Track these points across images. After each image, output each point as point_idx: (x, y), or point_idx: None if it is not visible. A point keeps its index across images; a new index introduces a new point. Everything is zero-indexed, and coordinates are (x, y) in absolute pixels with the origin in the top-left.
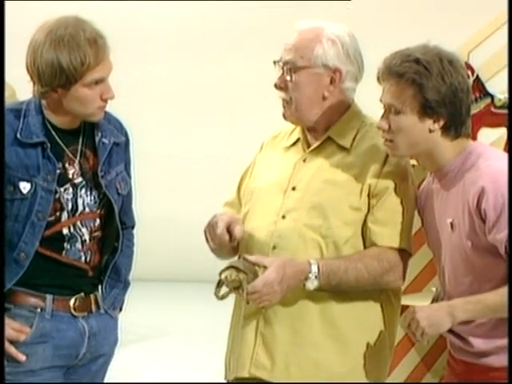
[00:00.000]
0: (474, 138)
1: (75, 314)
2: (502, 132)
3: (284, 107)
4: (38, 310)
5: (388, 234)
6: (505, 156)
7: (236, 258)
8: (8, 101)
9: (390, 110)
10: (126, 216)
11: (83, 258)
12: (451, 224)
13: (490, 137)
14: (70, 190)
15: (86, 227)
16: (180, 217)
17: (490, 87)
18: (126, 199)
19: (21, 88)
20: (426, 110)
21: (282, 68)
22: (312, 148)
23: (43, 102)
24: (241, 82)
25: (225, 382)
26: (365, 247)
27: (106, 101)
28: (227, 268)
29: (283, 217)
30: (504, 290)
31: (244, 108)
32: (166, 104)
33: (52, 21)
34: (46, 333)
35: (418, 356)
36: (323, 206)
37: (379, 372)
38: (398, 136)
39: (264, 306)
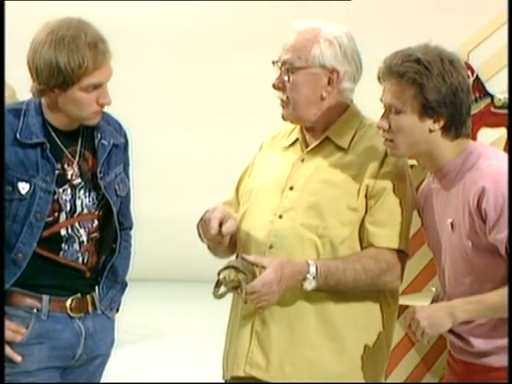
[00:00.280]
0: (474, 138)
1: (72, 314)
2: (502, 132)
3: (282, 107)
4: (35, 310)
5: (386, 235)
6: (505, 156)
7: (234, 257)
8: (8, 101)
9: (390, 110)
10: (124, 217)
11: (81, 259)
12: (451, 224)
13: (490, 137)
14: (69, 190)
15: (84, 228)
16: (179, 217)
17: (490, 87)
18: (125, 200)
19: (21, 88)
20: (427, 110)
21: (280, 68)
22: (310, 148)
23: (43, 100)
24: (241, 82)
25: (223, 381)
26: (361, 247)
27: (102, 106)
28: (226, 268)
29: (280, 216)
30: (504, 291)
31: (244, 108)
32: (165, 104)
33: (56, 20)
34: (42, 333)
35: (417, 356)
36: (320, 205)
37: (376, 372)
38: (398, 136)
39: (262, 306)
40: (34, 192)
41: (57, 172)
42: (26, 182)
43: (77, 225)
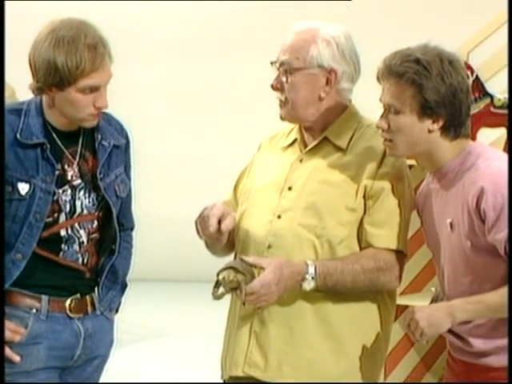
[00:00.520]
0: (474, 138)
1: (71, 315)
2: (502, 132)
3: (281, 107)
4: (34, 310)
5: (384, 236)
6: (504, 156)
7: (231, 255)
8: (8, 101)
9: (389, 110)
10: (124, 218)
11: (80, 260)
12: (451, 224)
13: (490, 137)
14: (69, 191)
15: (84, 229)
16: (179, 217)
17: (490, 87)
18: (125, 201)
19: (21, 88)
20: (426, 110)
21: (278, 69)
22: (308, 148)
23: (44, 99)
24: (241, 82)
25: (222, 382)
26: (360, 248)
27: (98, 109)
28: (225, 268)
29: (279, 216)
30: (504, 291)
31: (244, 108)
32: (165, 104)
33: (59, 20)
34: (40, 334)
35: (417, 356)
36: (318, 206)
37: (374, 372)
38: (397, 136)
39: (261, 306)
40: (34, 192)
41: (57, 172)
42: (26, 182)
43: (77, 225)
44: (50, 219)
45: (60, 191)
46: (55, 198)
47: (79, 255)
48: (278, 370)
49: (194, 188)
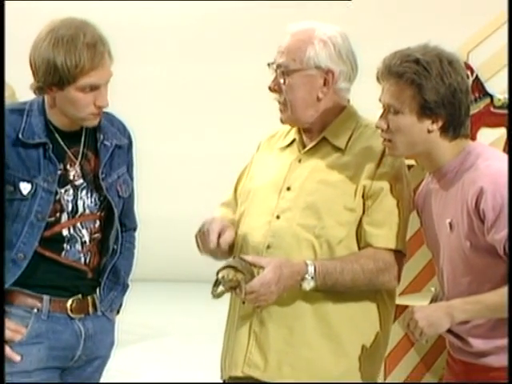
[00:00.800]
0: (474, 138)
1: (72, 315)
2: (502, 132)
3: (281, 111)
4: (35, 310)
5: (384, 236)
6: (504, 156)
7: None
8: (8, 101)
9: (388, 110)
10: (127, 218)
11: (83, 260)
12: (450, 224)
13: (490, 137)
14: (71, 191)
15: (86, 229)
16: (179, 217)
17: (490, 87)
18: (128, 201)
19: (21, 88)
20: (425, 110)
21: (276, 71)
22: (307, 148)
23: (45, 99)
24: (241, 82)
25: (222, 382)
26: (359, 248)
27: (99, 108)
28: (224, 267)
29: (278, 217)
30: (503, 291)
31: (244, 108)
32: (165, 104)
33: (59, 19)
34: (41, 333)
35: (417, 356)
36: (317, 206)
37: (373, 372)
38: (396, 136)
39: (260, 306)
40: (36, 192)
41: (59, 172)
42: (28, 182)
43: (79, 225)
44: (52, 219)
45: (62, 191)
46: (57, 197)
47: (81, 255)
48: (277, 370)
49: (194, 188)
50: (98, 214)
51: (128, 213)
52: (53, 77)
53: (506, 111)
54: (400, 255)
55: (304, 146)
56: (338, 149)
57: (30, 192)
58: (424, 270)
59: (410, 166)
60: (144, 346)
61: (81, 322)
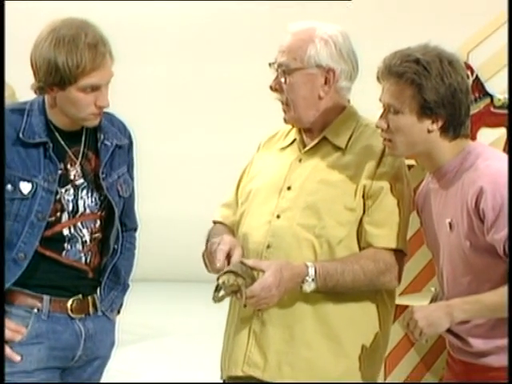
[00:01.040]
0: (474, 138)
1: (72, 315)
2: (502, 132)
3: (284, 111)
4: (35, 310)
5: (384, 236)
6: (504, 156)
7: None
8: (8, 101)
9: (389, 110)
10: (127, 218)
11: (83, 259)
12: (450, 224)
13: (490, 137)
14: (71, 191)
15: (87, 228)
16: (180, 217)
17: (490, 87)
18: (128, 201)
19: (21, 88)
20: (425, 110)
21: (277, 70)
22: (307, 148)
23: (46, 99)
24: (241, 82)
25: (221, 381)
26: (359, 247)
27: (100, 108)
28: (225, 272)
29: (278, 216)
30: (503, 290)
31: (244, 108)
32: (165, 104)
33: (60, 19)
34: (41, 333)
35: (417, 356)
36: (317, 205)
37: (373, 372)
38: (396, 136)
39: (261, 309)
40: (36, 192)
41: (59, 172)
42: (28, 181)
43: (79, 225)
44: (53, 218)
45: (62, 190)
46: (58, 197)
47: (82, 254)
48: (277, 370)
49: (194, 188)
50: (99, 213)
51: (128, 212)
52: (54, 77)
53: (506, 111)
54: (401, 255)
55: (304, 146)
56: (338, 148)
57: (30, 192)
58: (424, 269)
59: (410, 166)
60: (144, 346)
61: (81, 322)
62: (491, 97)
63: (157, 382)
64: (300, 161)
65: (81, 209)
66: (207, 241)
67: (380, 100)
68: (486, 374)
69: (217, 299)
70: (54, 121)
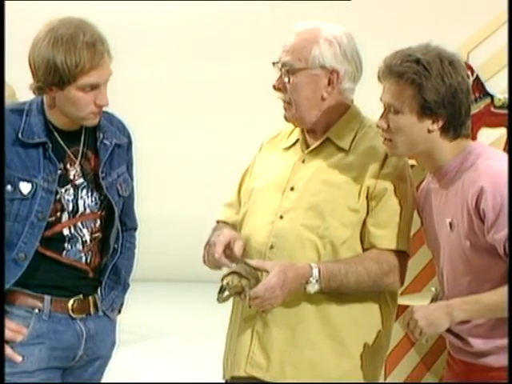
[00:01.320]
0: (474, 138)
1: (73, 315)
2: (502, 132)
3: (285, 109)
4: (36, 310)
5: (388, 237)
6: (504, 156)
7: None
8: (8, 101)
9: (389, 110)
10: (127, 218)
11: (84, 259)
12: (450, 224)
13: (490, 137)
14: (71, 190)
15: (87, 228)
16: (180, 217)
17: (490, 87)
18: (128, 201)
19: (21, 88)
20: (425, 110)
21: (280, 69)
22: (311, 149)
23: (45, 99)
24: (241, 82)
25: (223, 381)
26: (363, 248)
27: (99, 107)
28: (229, 273)
29: (281, 217)
30: (503, 290)
31: (244, 108)
32: (165, 104)
33: (58, 19)
34: (42, 334)
35: (417, 356)
36: (321, 206)
37: (375, 372)
38: (396, 135)
39: (265, 310)
40: (36, 192)
41: (59, 172)
42: (28, 181)
43: (79, 225)
44: (53, 218)
45: (62, 190)
46: (57, 197)
47: (82, 254)
48: (280, 370)
49: (194, 188)
50: (99, 213)
51: (128, 212)
52: (53, 76)
53: (506, 111)
54: (404, 256)
55: (307, 146)
56: (341, 149)
57: (30, 192)
58: (424, 269)
59: (410, 166)
60: (144, 346)
61: (82, 322)
62: (491, 97)
63: (157, 382)
64: (303, 161)
65: (81, 208)
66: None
67: (381, 100)
68: (486, 373)
69: (221, 300)
70: (53, 121)
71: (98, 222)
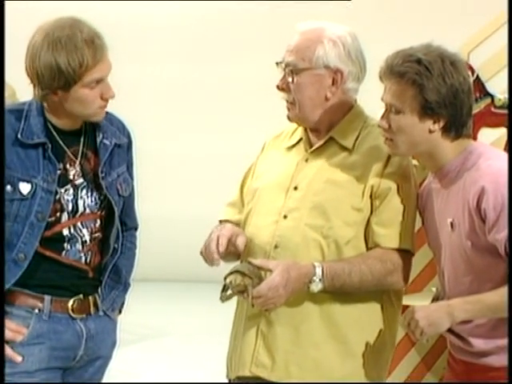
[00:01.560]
0: (475, 137)
1: (73, 315)
2: (502, 132)
3: (288, 109)
4: (36, 310)
5: (391, 236)
6: (505, 156)
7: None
8: (8, 101)
9: (390, 110)
10: (127, 217)
11: (83, 259)
12: (451, 224)
13: (490, 137)
14: (71, 190)
15: (87, 228)
16: (180, 217)
17: (490, 87)
18: (128, 201)
19: (21, 88)
20: (426, 110)
21: (284, 69)
22: (314, 148)
23: (44, 104)
24: (242, 82)
25: (226, 381)
26: (367, 248)
27: (106, 100)
28: (232, 272)
29: (285, 216)
30: (503, 290)
31: (245, 108)
32: (166, 104)
33: (49, 23)
34: (42, 334)
35: (418, 356)
36: (324, 206)
37: (379, 372)
38: (397, 135)
39: (268, 309)
40: (36, 192)
41: (58, 172)
42: (28, 182)
43: (79, 225)
44: (53, 218)
45: (62, 190)
46: (57, 197)
47: (82, 254)
48: (284, 370)
49: (194, 188)
50: (99, 213)
51: (129, 212)
52: (58, 80)
53: (506, 111)
54: (408, 255)
55: (311, 146)
56: (345, 148)
57: (29, 192)
58: (425, 269)
59: None
60: (144, 346)
61: (82, 322)
62: (492, 97)
63: (157, 382)
64: (306, 161)
65: (80, 208)
66: None
67: (382, 99)
68: (487, 373)
69: (224, 299)
70: (52, 121)
71: (98, 221)
